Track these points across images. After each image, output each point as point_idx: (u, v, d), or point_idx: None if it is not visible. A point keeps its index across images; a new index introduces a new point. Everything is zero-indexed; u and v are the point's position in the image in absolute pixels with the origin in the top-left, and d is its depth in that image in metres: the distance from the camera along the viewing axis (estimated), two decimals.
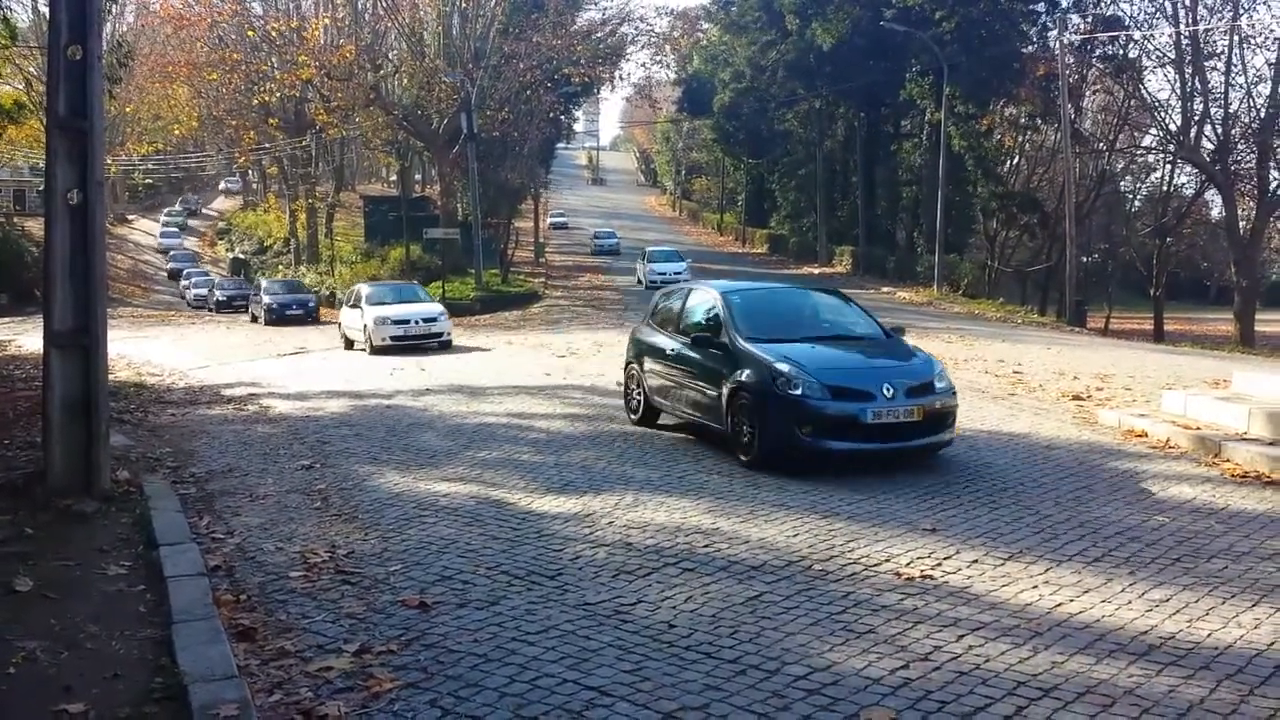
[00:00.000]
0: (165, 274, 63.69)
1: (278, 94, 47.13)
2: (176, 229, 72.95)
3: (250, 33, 45.92)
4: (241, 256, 64.96)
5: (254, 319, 37.89)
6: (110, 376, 10.27)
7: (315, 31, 43.65)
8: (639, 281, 42.47)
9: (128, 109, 52.71)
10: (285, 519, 7.93)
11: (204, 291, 51.02)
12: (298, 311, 36.21)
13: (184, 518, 7.74)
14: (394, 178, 68.76)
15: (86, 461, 8.06)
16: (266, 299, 36.96)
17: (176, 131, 53.94)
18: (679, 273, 38.92)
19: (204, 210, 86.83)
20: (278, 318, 35.66)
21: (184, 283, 55.15)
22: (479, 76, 39.52)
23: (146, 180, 78.72)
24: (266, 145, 51.24)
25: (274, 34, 44.95)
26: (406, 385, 16.50)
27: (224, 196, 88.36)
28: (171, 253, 65.92)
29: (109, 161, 57.52)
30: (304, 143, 50.50)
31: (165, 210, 77.73)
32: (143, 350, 24.72)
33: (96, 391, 8.11)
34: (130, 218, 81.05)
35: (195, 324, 39.41)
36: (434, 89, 41.53)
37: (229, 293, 47.90)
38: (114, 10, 43.60)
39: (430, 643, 5.35)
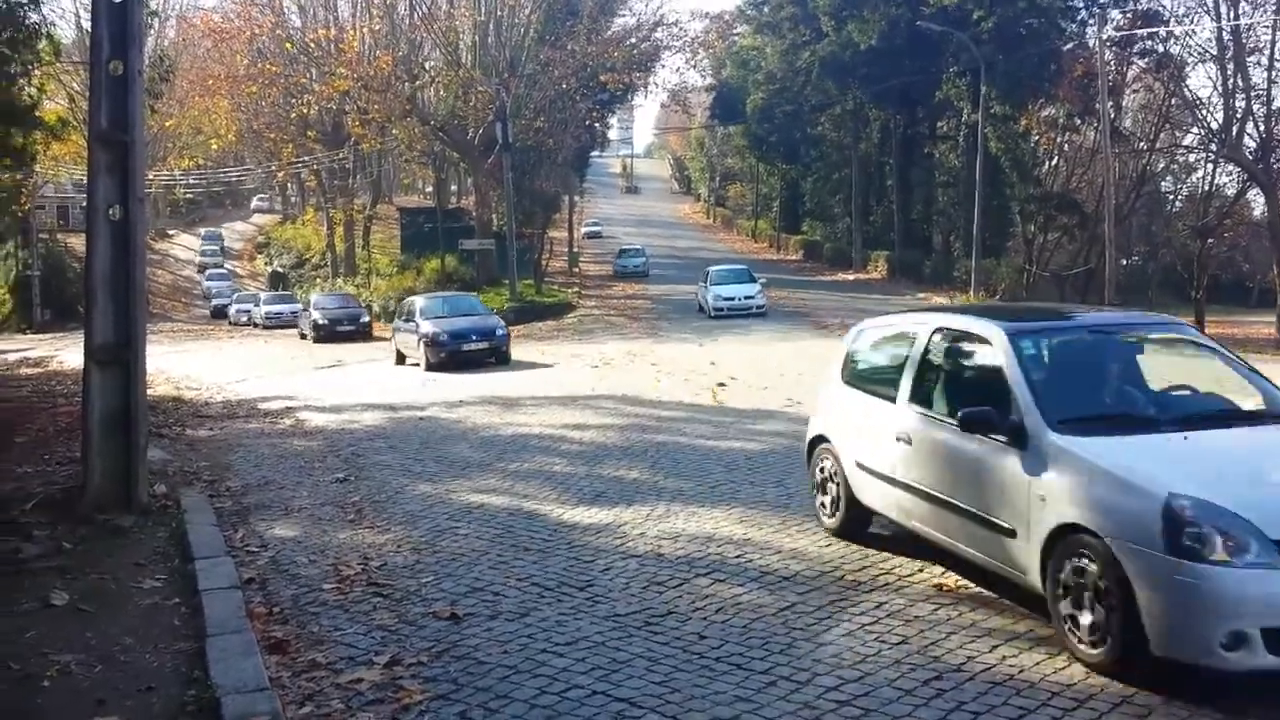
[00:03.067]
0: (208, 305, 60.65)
1: (315, 106, 47.63)
2: (216, 266, 69.60)
3: (288, 45, 46.46)
4: (280, 270, 65.57)
5: (302, 336, 35.62)
6: (149, 391, 10.42)
7: (352, 43, 44.06)
8: (700, 309, 34.07)
9: (168, 124, 53.32)
10: (319, 532, 7.98)
11: (249, 307, 48.39)
12: (349, 327, 33.91)
13: (219, 531, 7.82)
14: (430, 189, 69.04)
15: (125, 476, 8.16)
16: (316, 314, 34.55)
17: (215, 145, 54.61)
18: (751, 297, 32.48)
19: (239, 224, 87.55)
20: (328, 334, 33.30)
21: (233, 308, 50.26)
22: (514, 85, 39.71)
23: (187, 195, 79.79)
24: (305, 158, 51.76)
25: (312, 46, 45.45)
26: (440, 397, 16.58)
27: (256, 215, 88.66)
28: (213, 286, 61.37)
29: (150, 176, 58.46)
30: (342, 155, 50.98)
31: (202, 241, 76.45)
32: (182, 365, 25.04)
33: (135, 406, 8.21)
34: (171, 233, 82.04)
35: (234, 338, 39.84)
36: (470, 99, 41.77)
37: (276, 308, 44.48)
38: (155, 25, 44.45)
39: (461, 654, 5.36)
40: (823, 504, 7.55)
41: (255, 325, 44.65)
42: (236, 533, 7.92)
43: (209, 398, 17.94)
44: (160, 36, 54.04)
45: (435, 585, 6.52)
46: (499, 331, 22.13)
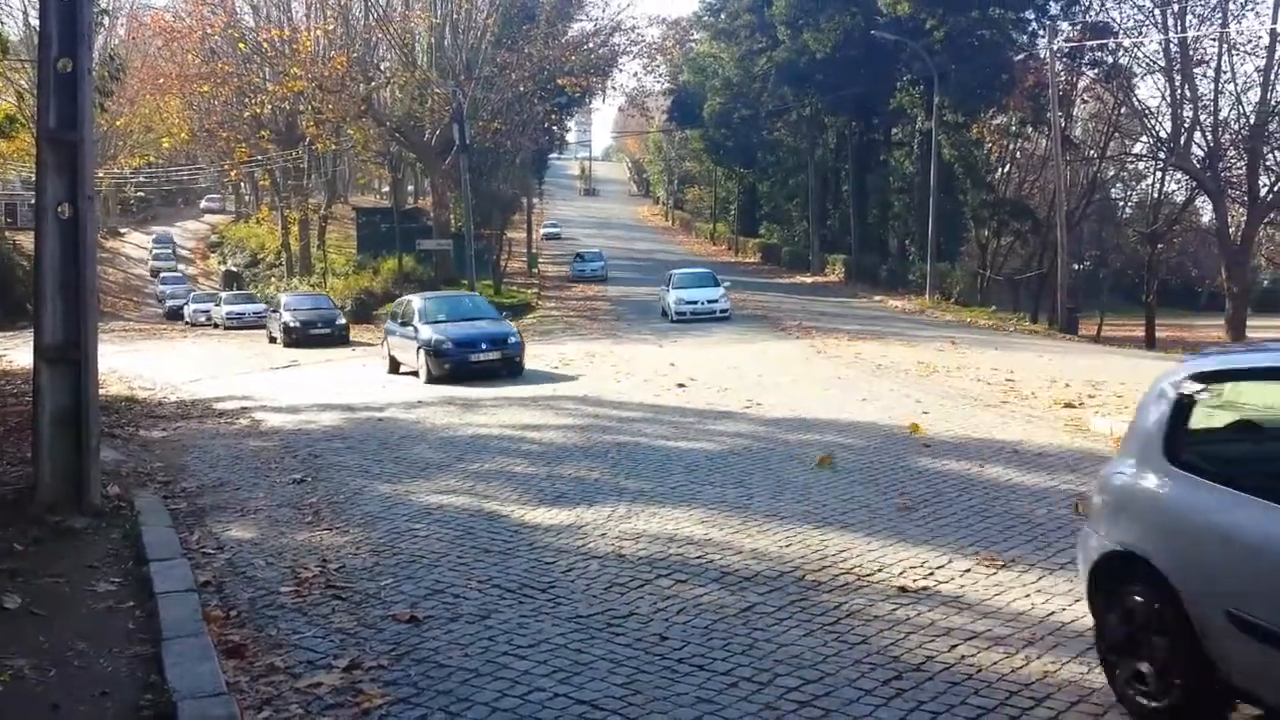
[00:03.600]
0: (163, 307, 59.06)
1: (269, 106, 47.13)
2: (170, 270, 68.16)
3: (241, 45, 45.95)
4: (234, 269, 64.78)
5: (271, 339, 32.95)
6: (101, 391, 10.25)
7: (307, 43, 43.65)
8: (663, 314, 32.67)
9: (119, 122, 52.56)
10: (276, 534, 7.90)
11: (207, 307, 46.68)
12: (324, 330, 31.37)
13: (174, 533, 7.71)
14: (386, 189, 68.65)
15: (77, 477, 8.03)
16: (287, 316, 31.85)
17: (167, 144, 53.84)
18: (714, 301, 31.40)
19: (191, 223, 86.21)
20: (300, 338, 30.72)
21: (190, 307, 48.39)
22: (471, 87, 39.58)
23: (138, 194, 78.61)
24: (258, 158, 51.19)
25: (265, 46, 45.00)
26: (399, 397, 16.47)
27: (207, 215, 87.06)
28: (166, 290, 59.58)
29: (100, 175, 57.48)
30: (296, 155, 50.47)
31: (153, 244, 74.75)
32: (134, 364, 24.65)
33: (87, 406, 8.08)
34: (122, 231, 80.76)
35: (188, 338, 39.29)
36: (426, 100, 41.59)
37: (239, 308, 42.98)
38: (105, 23, 43.68)
39: (421, 657, 5.32)
40: (1136, 674, 4.46)
41: (216, 326, 43.36)
42: (192, 535, 7.82)
43: (163, 398, 17.68)
44: (111, 34, 53.15)
45: (395, 588, 6.47)
46: (512, 339, 19.18)
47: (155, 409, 15.98)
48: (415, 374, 19.02)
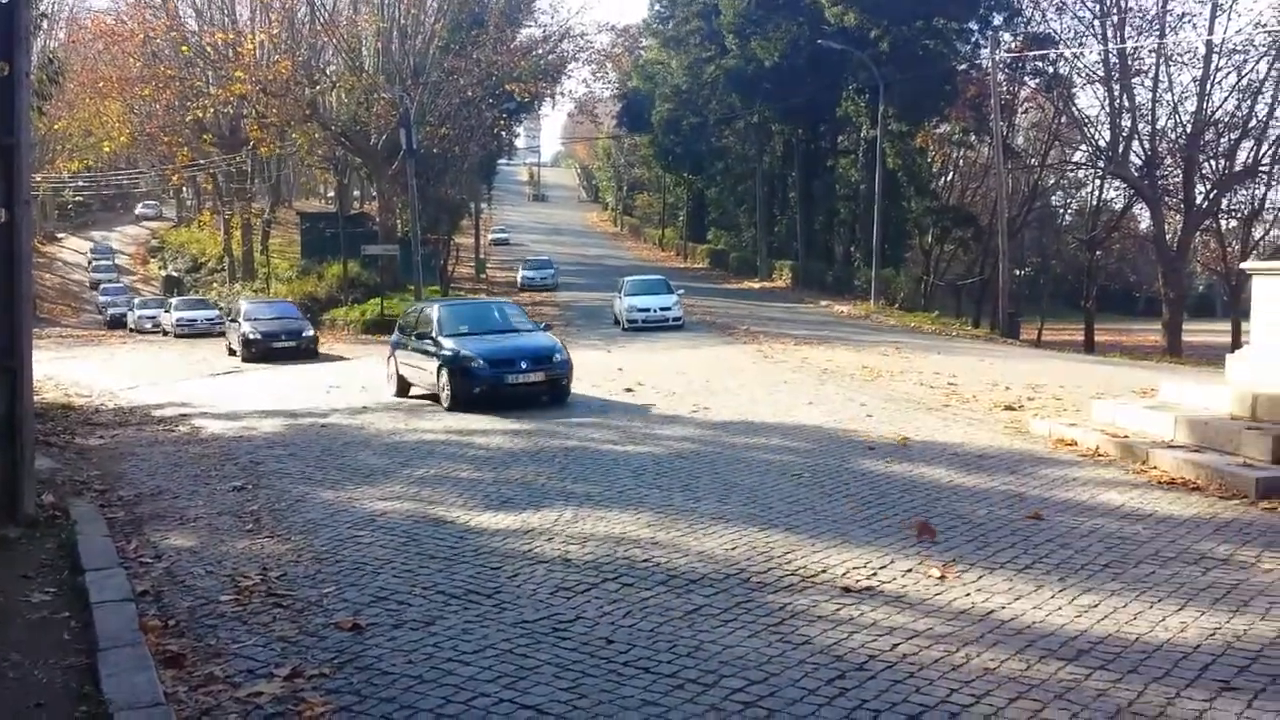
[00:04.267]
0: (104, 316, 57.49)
1: (212, 110, 46.47)
2: (111, 280, 66.40)
3: (184, 49, 45.28)
4: (175, 274, 63.72)
5: (231, 351, 29.97)
6: (36, 398, 10.03)
7: (250, 47, 43.12)
8: (615, 321, 31.54)
9: (57, 125, 51.50)
10: (216, 542, 7.78)
11: (153, 313, 45.57)
12: (289, 343, 28.21)
13: (111, 542, 7.56)
14: (332, 194, 67.96)
15: (10, 485, 7.86)
16: (247, 326, 28.50)
17: (107, 148, 52.85)
18: (668, 309, 30.17)
19: (130, 228, 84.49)
20: (263, 352, 27.70)
21: (134, 314, 47.37)
22: (418, 92, 39.33)
23: (76, 198, 77.06)
24: (201, 161, 50.45)
25: (208, 49, 44.38)
26: (343, 403, 16.30)
27: (143, 221, 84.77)
28: (107, 300, 57.88)
29: (37, 179, 56.24)
30: (239, 159, 49.82)
31: (92, 255, 72.52)
32: (71, 371, 24.18)
33: (21, 413, 7.91)
34: (60, 236, 79.24)
35: (126, 344, 38.58)
36: (373, 105, 41.27)
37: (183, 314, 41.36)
38: (44, 25, 42.77)
39: (364, 665, 5.27)
40: None
41: (165, 333, 41.34)
42: (129, 543, 7.67)
43: (100, 405, 17.36)
44: (50, 37, 52.14)
45: (338, 595, 6.40)
46: (558, 357, 15.56)
47: (92, 416, 15.69)
48: (433, 398, 15.96)
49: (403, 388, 17.21)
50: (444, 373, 15.27)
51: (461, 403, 14.95)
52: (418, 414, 14.65)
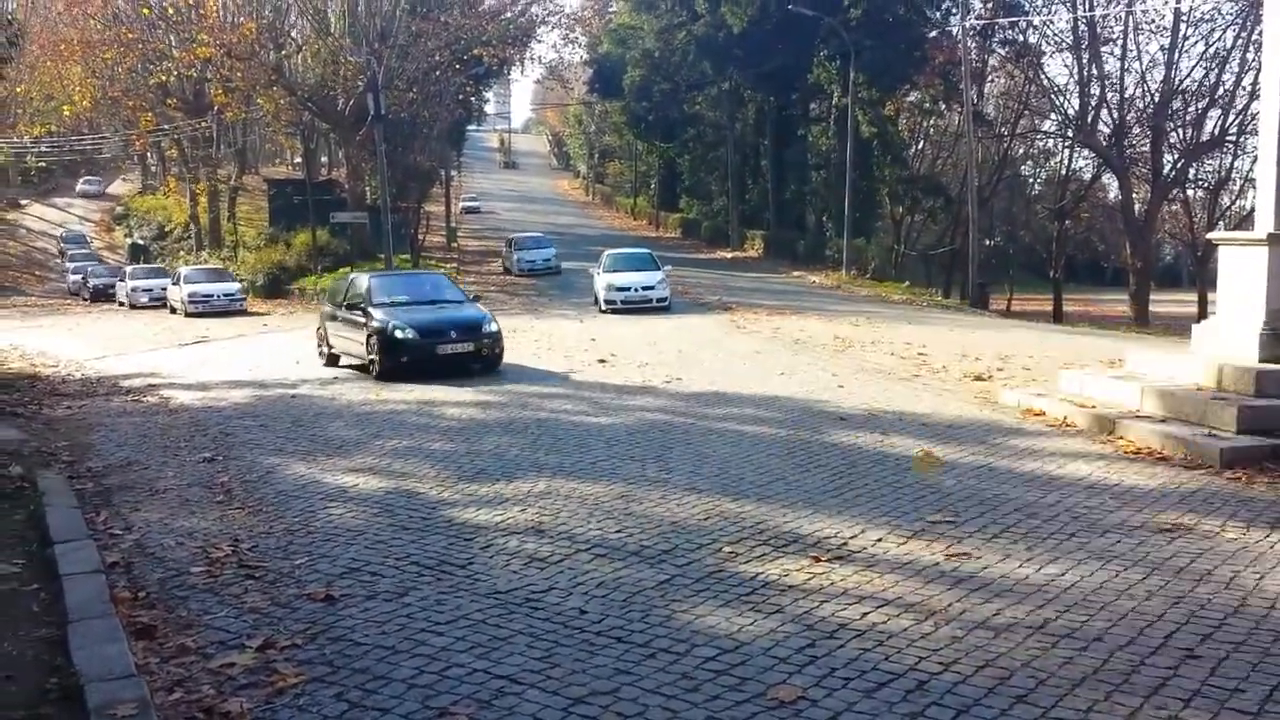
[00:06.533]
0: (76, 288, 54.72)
1: (175, 74, 45.65)
2: (90, 258, 63.47)
3: (146, 10, 44.40)
4: (141, 242, 62.75)
5: (172, 310, 35.62)
6: (2, 368, 9.90)
7: (213, 8, 42.36)
8: (595, 300, 28.25)
9: (18, 89, 50.41)
10: (186, 513, 7.74)
11: (150, 285, 41.30)
12: (223, 303, 34.31)
13: (80, 514, 7.51)
14: (299, 160, 67.01)
15: None
16: (187, 290, 34.72)
17: (69, 112, 51.77)
18: (651, 288, 26.99)
19: (98, 194, 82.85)
20: (201, 309, 33.64)
21: (128, 284, 42.35)
22: (386, 56, 38.79)
23: (40, 164, 75.59)
24: (165, 127, 49.61)
25: (170, 11, 43.55)
26: (313, 374, 16.21)
27: (82, 199, 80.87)
28: (89, 268, 55.19)
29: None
30: (204, 124, 49.04)
31: (64, 244, 69.26)
32: (37, 340, 23.87)
33: None
34: (24, 202, 77.78)
35: (92, 313, 38.08)
36: (339, 69, 40.70)
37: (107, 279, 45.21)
38: None
39: (336, 636, 5.27)
40: None
41: (173, 311, 36.10)
42: (99, 515, 7.62)
43: (67, 375, 17.15)
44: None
45: (310, 566, 6.40)
46: (488, 327, 15.85)
47: (59, 386, 15.51)
48: (361, 368, 16.12)
49: (331, 359, 17.37)
50: (373, 342, 15.46)
51: (390, 372, 15.11)
52: (389, 385, 14.58)
